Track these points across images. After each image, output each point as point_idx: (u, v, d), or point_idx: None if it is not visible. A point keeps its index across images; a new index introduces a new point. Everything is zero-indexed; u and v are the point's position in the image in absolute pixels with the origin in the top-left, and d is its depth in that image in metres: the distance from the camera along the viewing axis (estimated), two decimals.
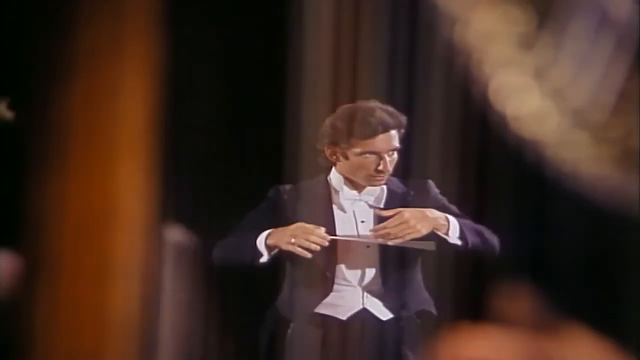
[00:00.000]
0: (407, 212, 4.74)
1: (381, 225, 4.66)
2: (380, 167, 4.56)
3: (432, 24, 1.15)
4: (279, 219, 4.94)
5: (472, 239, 4.79)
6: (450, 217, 4.57)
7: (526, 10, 1.22)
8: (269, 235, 4.65)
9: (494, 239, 4.92)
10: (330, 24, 1.25)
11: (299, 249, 4.53)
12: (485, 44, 1.23)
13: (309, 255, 4.41)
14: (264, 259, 4.62)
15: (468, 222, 4.92)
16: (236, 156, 5.52)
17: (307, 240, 4.62)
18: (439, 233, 4.60)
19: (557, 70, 1.22)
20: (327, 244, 4.53)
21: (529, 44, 1.23)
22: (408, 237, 4.68)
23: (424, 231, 4.55)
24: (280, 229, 4.65)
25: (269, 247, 4.61)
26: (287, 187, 4.99)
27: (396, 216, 4.61)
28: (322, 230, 4.55)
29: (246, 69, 5.56)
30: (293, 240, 4.70)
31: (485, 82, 1.22)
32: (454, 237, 4.72)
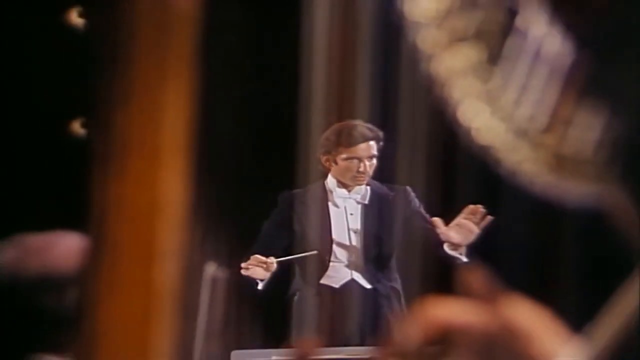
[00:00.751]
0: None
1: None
2: (361, 169, 5.10)
3: (413, 58, 1.16)
4: (290, 217, 5.18)
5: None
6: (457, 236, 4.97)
7: (482, 51, 1.24)
8: None
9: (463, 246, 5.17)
10: (329, 63, 1.27)
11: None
12: (451, 77, 1.26)
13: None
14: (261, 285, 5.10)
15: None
16: (257, 164, 5.57)
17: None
18: (453, 253, 4.99)
19: (504, 95, 1.24)
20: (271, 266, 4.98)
21: (484, 77, 1.25)
22: (450, 238, 4.98)
23: (463, 243, 4.87)
24: None
25: None
26: (294, 191, 5.22)
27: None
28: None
29: (265, 99, 5.61)
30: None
31: (453, 105, 1.25)
32: (463, 257, 5.07)
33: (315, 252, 5.38)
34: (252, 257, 5.34)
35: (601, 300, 1.18)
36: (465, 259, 5.07)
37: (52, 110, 5.59)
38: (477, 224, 5.03)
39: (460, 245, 5.10)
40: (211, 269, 4.97)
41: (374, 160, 5.26)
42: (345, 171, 5.32)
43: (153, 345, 1.41)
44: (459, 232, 5.20)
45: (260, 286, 5.30)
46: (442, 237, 5.10)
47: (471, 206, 4.96)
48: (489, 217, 4.96)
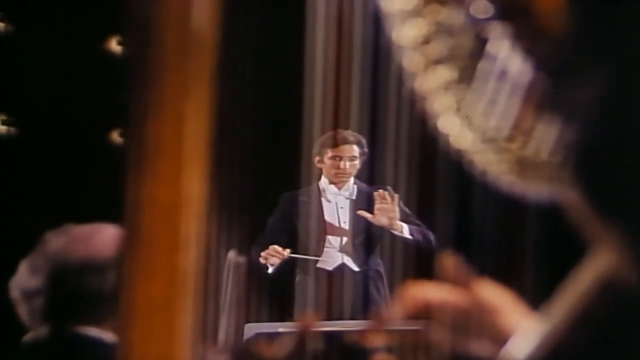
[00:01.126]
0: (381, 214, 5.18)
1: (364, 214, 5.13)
2: (342, 167, 5.23)
3: (399, 77, 1.16)
4: (290, 213, 5.25)
5: (416, 236, 5.18)
6: (404, 225, 5.04)
7: (455, 72, 1.23)
8: None
9: (429, 235, 5.26)
10: (327, 81, 1.26)
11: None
12: (430, 93, 1.24)
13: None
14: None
15: (414, 226, 5.31)
16: (266, 167, 5.58)
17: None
18: (396, 232, 5.05)
19: (474, 109, 1.22)
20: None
21: (456, 93, 1.24)
22: (378, 222, 5.10)
23: (386, 223, 5.03)
24: None
25: None
26: (294, 192, 5.29)
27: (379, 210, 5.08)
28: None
29: (273, 111, 5.64)
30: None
31: (432, 117, 1.23)
32: (405, 234, 5.10)
33: (320, 258, 5.49)
34: (270, 248, 5.43)
35: (556, 283, 1.16)
36: (408, 236, 5.30)
37: (95, 123, 5.60)
38: (391, 203, 5.45)
39: (391, 226, 5.34)
40: (232, 256, 5.03)
41: (355, 162, 5.49)
42: (330, 168, 5.51)
43: (179, 319, 1.40)
44: (383, 215, 5.51)
45: (270, 270, 5.37)
46: (375, 222, 5.35)
47: (380, 191, 5.45)
48: (397, 195, 5.40)
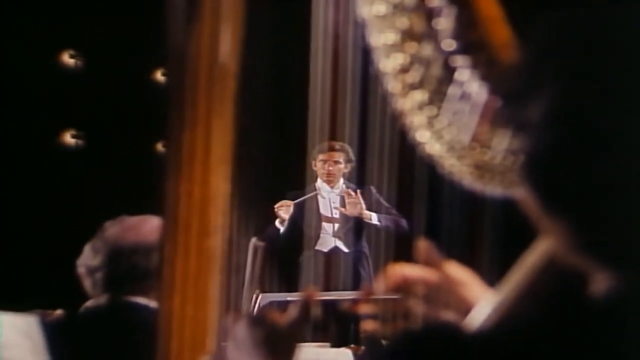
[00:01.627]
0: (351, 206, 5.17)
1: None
2: (326, 168, 5.20)
3: (385, 98, 1.15)
4: (295, 205, 5.25)
5: (385, 223, 5.19)
6: (373, 214, 5.04)
7: (425, 95, 1.21)
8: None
9: (402, 222, 5.26)
10: (326, 101, 1.25)
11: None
12: (407, 112, 1.22)
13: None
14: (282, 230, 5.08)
15: (387, 215, 5.33)
16: (276, 170, 5.58)
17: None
18: (366, 220, 5.08)
19: (440, 124, 1.19)
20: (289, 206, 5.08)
21: (427, 112, 1.21)
22: (350, 213, 5.15)
23: (355, 213, 5.06)
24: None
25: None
26: (297, 191, 5.30)
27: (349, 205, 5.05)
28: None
29: (282, 126, 5.66)
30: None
31: (410, 130, 1.21)
32: (374, 221, 5.10)
33: (315, 192, 5.55)
34: (280, 202, 5.52)
35: (509, 264, 1.14)
36: (376, 222, 5.34)
37: (144, 136, 5.58)
38: (356, 197, 5.43)
39: (360, 215, 5.50)
40: (254, 241, 5.06)
41: (340, 165, 5.56)
42: (321, 169, 5.57)
43: (208, 290, 1.39)
44: (352, 208, 5.48)
45: (281, 231, 5.42)
46: (348, 214, 5.43)
47: (346, 190, 5.52)
48: (359, 191, 5.43)
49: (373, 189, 5.52)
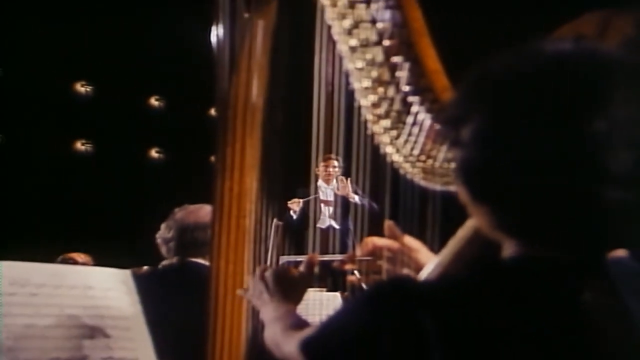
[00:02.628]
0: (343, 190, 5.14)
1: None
2: (326, 172, 5.19)
3: (364, 123, 1.16)
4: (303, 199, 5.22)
5: (363, 203, 5.13)
6: (355, 195, 5.00)
7: (392, 122, 1.20)
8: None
9: (374, 205, 5.18)
10: (323, 125, 1.24)
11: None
12: (379, 133, 1.21)
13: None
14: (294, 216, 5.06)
15: (364, 199, 5.26)
16: (291, 172, 5.56)
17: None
18: (349, 199, 5.05)
19: (400, 141, 1.17)
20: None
21: (392, 133, 1.20)
22: (341, 192, 5.14)
23: (344, 194, 5.03)
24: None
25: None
26: (305, 189, 5.27)
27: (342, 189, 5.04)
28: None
29: (294, 142, 5.66)
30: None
31: (380, 145, 1.19)
32: (357, 201, 5.06)
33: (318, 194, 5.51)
34: (292, 199, 5.54)
35: (447, 237, 1.12)
36: (358, 202, 5.31)
37: (203, 150, 5.58)
38: (345, 183, 5.26)
39: (347, 196, 5.32)
40: (275, 221, 5.04)
41: (334, 169, 5.52)
42: (322, 172, 5.53)
43: (244, 254, 1.37)
44: (342, 190, 5.32)
45: (294, 217, 5.46)
46: (339, 194, 5.41)
47: (340, 178, 5.34)
48: (349, 179, 5.18)
49: (357, 188, 5.50)
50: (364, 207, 5.54)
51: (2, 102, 6.19)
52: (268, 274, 1.22)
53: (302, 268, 1.26)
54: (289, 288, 1.20)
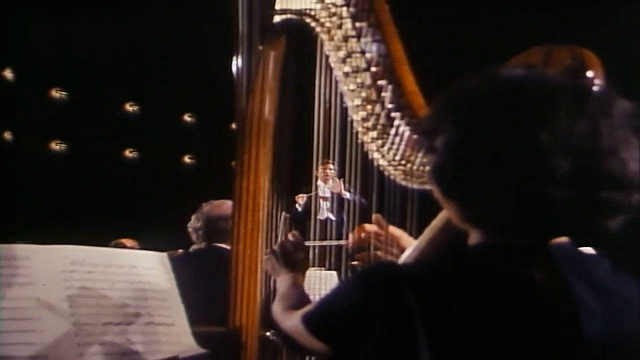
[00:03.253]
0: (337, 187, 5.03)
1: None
2: (324, 174, 5.02)
3: (356, 134, 1.15)
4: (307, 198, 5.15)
5: (354, 198, 4.97)
6: (347, 192, 4.86)
7: (378, 133, 1.19)
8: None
9: (363, 200, 5.07)
10: (323, 138, 1.22)
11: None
12: (367, 142, 1.18)
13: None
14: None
15: (355, 196, 5.14)
16: (297, 174, 5.51)
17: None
18: (342, 196, 4.93)
19: (385, 149, 1.14)
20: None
21: (377, 143, 1.17)
22: (335, 190, 5.01)
23: (337, 191, 4.89)
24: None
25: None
26: (308, 187, 5.20)
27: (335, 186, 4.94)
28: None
29: (299, 151, 5.61)
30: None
31: (369, 151, 1.17)
32: (349, 197, 4.91)
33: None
34: (298, 194, 5.46)
35: (424, 225, 1.10)
36: (350, 198, 5.12)
37: (225, 157, 5.54)
38: (339, 182, 5.03)
39: (340, 193, 5.03)
40: (284, 214, 4.92)
41: (331, 172, 5.40)
42: (321, 174, 5.42)
43: (259, 239, 1.34)
44: (335, 187, 5.15)
45: (299, 210, 5.37)
46: (333, 190, 5.24)
47: (334, 178, 5.13)
48: (341, 180, 4.85)
49: (339, 180, 5.40)
50: (354, 202, 5.44)
51: (68, 112, 6.25)
52: (275, 247, 1.26)
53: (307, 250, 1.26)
54: (289, 256, 1.22)
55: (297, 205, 5.48)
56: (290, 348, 0.98)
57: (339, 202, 5.35)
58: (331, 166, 5.82)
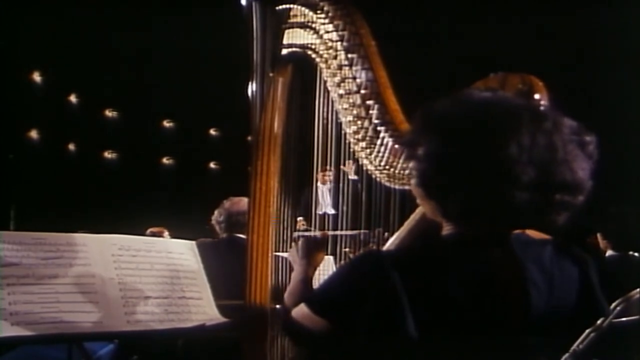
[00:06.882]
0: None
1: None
2: (324, 177, 4.74)
3: (348, 145, 1.14)
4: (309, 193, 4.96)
5: (358, 180, 4.80)
6: (356, 176, 4.61)
7: (367, 144, 1.17)
8: None
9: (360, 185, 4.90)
10: (322, 148, 1.19)
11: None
12: (357, 152, 1.17)
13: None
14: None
15: (358, 179, 4.97)
16: (301, 175, 5.40)
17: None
18: (350, 177, 4.69)
19: (372, 157, 1.12)
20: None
21: (366, 152, 1.15)
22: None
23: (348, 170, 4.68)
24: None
25: None
26: (309, 187, 5.01)
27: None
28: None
29: (304, 157, 5.52)
30: None
31: (360, 158, 1.14)
32: (354, 178, 4.76)
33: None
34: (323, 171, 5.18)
35: (404, 219, 1.08)
36: (357, 178, 4.97)
37: (243, 162, 5.49)
38: (350, 164, 4.95)
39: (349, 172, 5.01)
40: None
41: (329, 176, 5.25)
42: (321, 177, 5.31)
43: (269, 230, 1.31)
44: (347, 167, 5.05)
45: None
46: (346, 169, 5.01)
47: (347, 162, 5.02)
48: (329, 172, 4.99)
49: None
50: (358, 184, 5.21)
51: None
52: (301, 241, 1.24)
53: (319, 237, 1.24)
54: (310, 252, 1.19)
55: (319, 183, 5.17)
56: (294, 339, 0.95)
57: (335, 199, 5.27)
58: (328, 170, 5.78)
